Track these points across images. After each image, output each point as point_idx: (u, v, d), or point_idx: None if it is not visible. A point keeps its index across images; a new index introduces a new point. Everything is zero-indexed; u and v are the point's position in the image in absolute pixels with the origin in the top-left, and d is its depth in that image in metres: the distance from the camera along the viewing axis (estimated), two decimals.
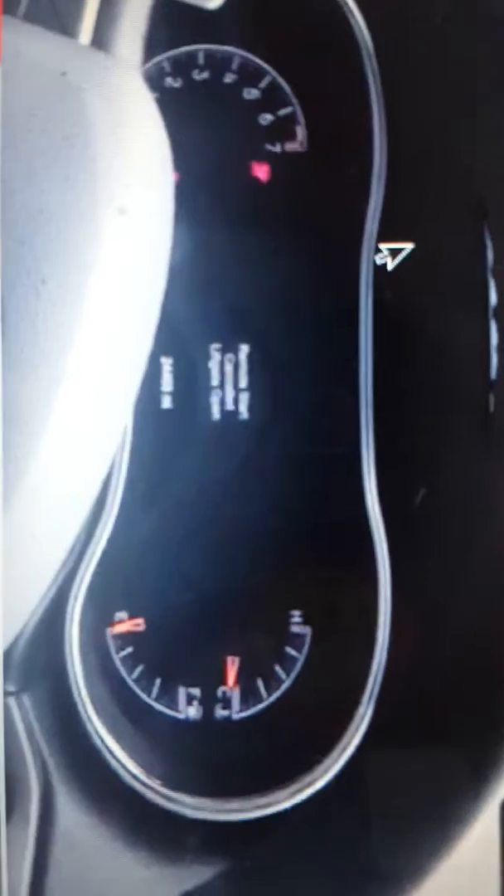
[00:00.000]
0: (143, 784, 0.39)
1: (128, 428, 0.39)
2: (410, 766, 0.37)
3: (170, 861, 0.38)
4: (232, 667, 0.40)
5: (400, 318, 0.40)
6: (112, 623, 0.41)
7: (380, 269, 0.40)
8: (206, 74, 0.41)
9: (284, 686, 0.40)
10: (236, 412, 0.41)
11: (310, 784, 0.38)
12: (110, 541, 0.39)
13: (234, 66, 0.41)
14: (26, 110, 0.28)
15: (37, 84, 0.28)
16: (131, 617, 0.41)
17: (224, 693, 0.41)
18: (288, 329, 0.41)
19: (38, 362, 0.28)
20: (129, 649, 0.41)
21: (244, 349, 0.41)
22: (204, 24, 0.40)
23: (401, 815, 0.36)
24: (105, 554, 0.39)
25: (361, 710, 0.39)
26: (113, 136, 0.29)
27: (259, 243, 0.41)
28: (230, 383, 0.41)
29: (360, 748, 0.38)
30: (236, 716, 0.41)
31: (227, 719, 0.41)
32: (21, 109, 0.28)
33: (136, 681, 0.41)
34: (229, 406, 0.41)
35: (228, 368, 0.41)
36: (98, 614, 0.40)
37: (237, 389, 0.41)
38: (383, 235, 0.40)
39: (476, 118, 0.38)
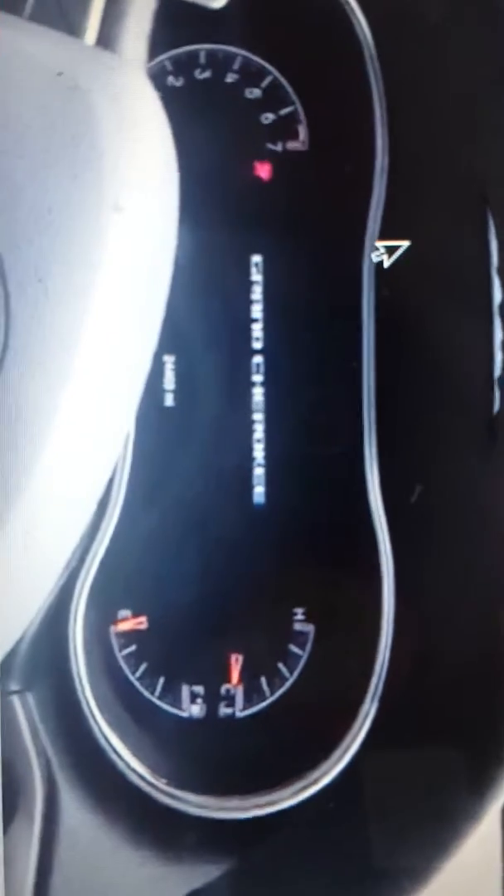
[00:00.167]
0: (148, 782, 0.39)
1: (130, 426, 0.39)
2: (414, 763, 0.37)
3: (175, 859, 0.38)
4: (235, 664, 0.41)
5: (402, 316, 0.40)
6: (115, 621, 0.41)
7: (381, 268, 0.40)
8: (207, 74, 0.41)
9: (288, 683, 0.40)
10: (239, 410, 0.41)
11: (314, 782, 0.38)
12: (113, 539, 0.39)
13: (236, 65, 0.41)
14: (35, 109, 0.28)
15: (44, 83, 0.28)
16: (134, 615, 0.41)
17: (228, 691, 0.41)
18: (289, 327, 0.41)
19: (45, 360, 0.28)
20: (133, 647, 0.41)
21: (246, 346, 0.41)
22: (206, 24, 0.40)
23: (405, 813, 0.36)
24: (108, 552, 0.39)
25: (365, 707, 0.39)
26: (119, 134, 0.29)
27: (261, 242, 0.41)
28: (233, 381, 0.41)
29: (364, 745, 0.38)
30: (240, 714, 0.41)
31: (231, 717, 0.41)
32: (29, 108, 0.28)
33: (140, 679, 0.41)
34: (232, 403, 0.41)
35: (231, 366, 0.41)
36: (101, 612, 0.40)
37: (240, 387, 0.41)
38: (385, 233, 0.40)
39: (479, 115, 0.38)
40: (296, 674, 0.40)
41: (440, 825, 0.34)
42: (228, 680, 0.41)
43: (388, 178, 0.40)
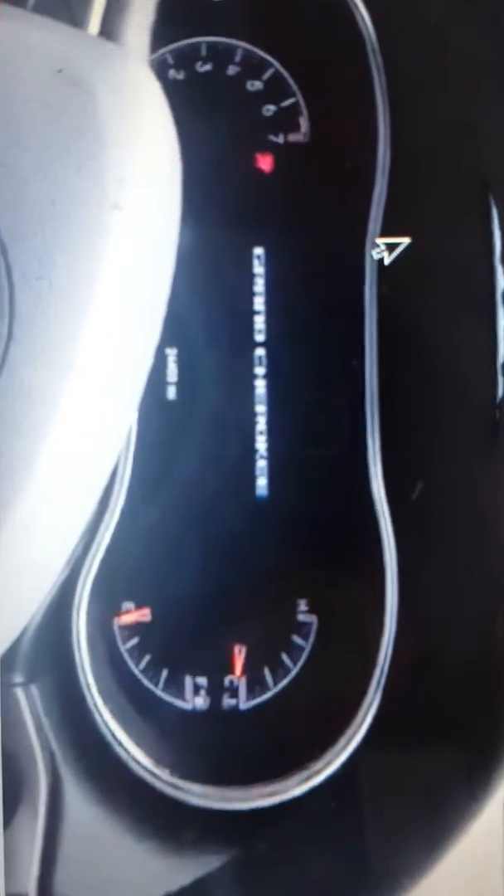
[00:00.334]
0: (152, 774, 0.39)
1: (133, 418, 0.39)
2: (417, 755, 0.37)
3: (178, 850, 0.39)
4: (239, 656, 0.41)
5: (403, 310, 0.40)
6: (118, 613, 0.41)
7: (383, 263, 0.40)
8: (209, 66, 0.41)
9: (291, 675, 0.40)
10: (241, 402, 0.41)
11: (317, 773, 0.39)
12: (116, 531, 0.39)
13: (238, 58, 0.41)
14: (39, 101, 0.28)
15: (49, 75, 0.28)
16: (138, 607, 0.41)
17: (231, 682, 0.41)
18: (292, 319, 0.41)
19: (49, 352, 0.28)
20: (136, 640, 0.41)
21: (249, 339, 0.41)
22: (207, 16, 0.40)
23: (408, 805, 0.36)
24: (111, 544, 0.39)
25: (368, 698, 0.39)
26: (122, 126, 0.29)
27: (263, 234, 0.41)
28: (235, 373, 0.41)
29: (367, 736, 0.39)
30: (243, 705, 0.41)
31: (235, 708, 0.41)
32: (34, 100, 0.28)
33: (143, 671, 0.41)
34: (235, 397, 0.41)
35: (233, 358, 0.41)
36: (104, 605, 0.40)
37: (242, 379, 0.41)
38: (386, 227, 0.40)
39: (481, 108, 0.38)
40: (299, 665, 0.41)
41: (441, 817, 0.34)
42: (232, 671, 0.41)
43: (390, 170, 0.40)
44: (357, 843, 0.37)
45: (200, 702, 0.41)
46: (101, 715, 0.39)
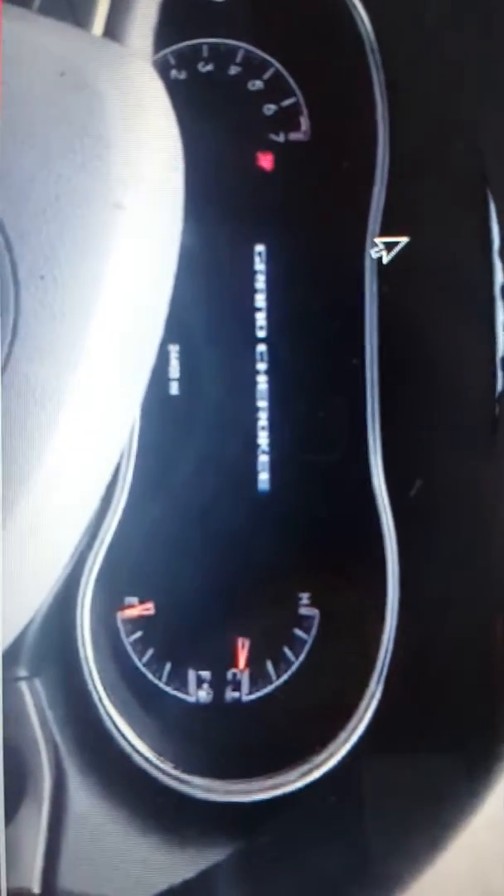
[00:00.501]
0: (156, 767, 0.39)
1: (136, 414, 0.39)
2: (418, 748, 0.37)
3: (181, 843, 0.39)
4: (242, 649, 0.41)
5: (402, 306, 0.40)
6: (122, 607, 0.41)
7: (380, 263, 0.40)
8: (210, 67, 0.41)
9: (294, 668, 0.41)
10: (243, 398, 0.41)
11: (319, 765, 0.39)
12: (120, 525, 0.39)
13: (239, 58, 0.41)
14: (45, 100, 0.28)
15: (54, 74, 0.29)
16: (141, 601, 0.41)
17: (234, 675, 0.41)
18: (293, 315, 0.41)
19: (53, 349, 0.28)
20: (139, 633, 0.41)
21: (250, 335, 0.41)
22: (208, 18, 0.41)
23: (409, 799, 0.37)
24: (115, 539, 0.39)
25: (370, 691, 0.39)
26: (126, 124, 0.29)
27: (264, 231, 0.41)
28: (237, 369, 0.41)
29: (369, 730, 0.39)
30: (246, 698, 0.41)
31: (237, 701, 0.41)
32: (39, 99, 0.28)
33: (147, 665, 0.41)
34: (236, 393, 0.41)
35: (235, 354, 0.41)
36: (108, 599, 0.40)
37: (244, 375, 0.41)
38: (386, 225, 0.40)
39: (480, 106, 0.38)
40: (301, 658, 0.41)
41: (441, 811, 0.34)
42: (235, 665, 0.41)
43: (390, 169, 0.40)
44: (358, 836, 0.37)
45: (204, 695, 0.41)
46: (104, 708, 0.39)
